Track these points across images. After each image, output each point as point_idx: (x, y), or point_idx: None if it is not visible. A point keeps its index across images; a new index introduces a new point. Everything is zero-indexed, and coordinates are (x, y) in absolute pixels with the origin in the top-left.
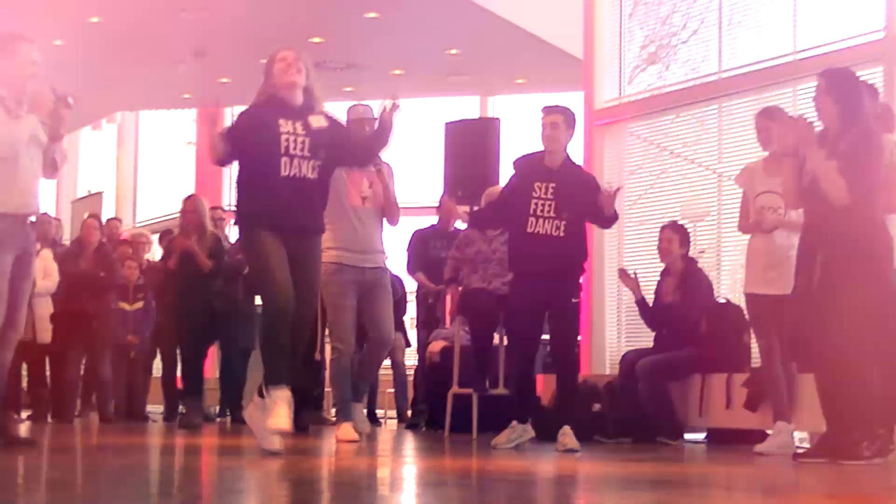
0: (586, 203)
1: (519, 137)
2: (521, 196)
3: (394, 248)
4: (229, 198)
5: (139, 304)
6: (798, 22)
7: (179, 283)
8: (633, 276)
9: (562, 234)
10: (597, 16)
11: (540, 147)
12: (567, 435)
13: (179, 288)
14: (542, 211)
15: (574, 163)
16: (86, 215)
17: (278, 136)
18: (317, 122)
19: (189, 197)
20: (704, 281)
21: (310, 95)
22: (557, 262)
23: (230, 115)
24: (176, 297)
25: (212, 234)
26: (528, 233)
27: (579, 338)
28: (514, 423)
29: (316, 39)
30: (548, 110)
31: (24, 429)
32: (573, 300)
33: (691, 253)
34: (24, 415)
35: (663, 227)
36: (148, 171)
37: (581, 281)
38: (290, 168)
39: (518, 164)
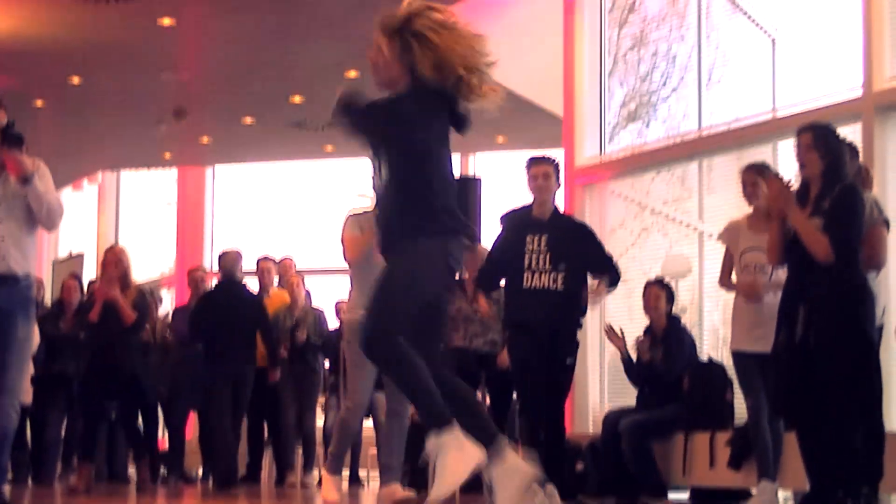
0: (583, 252)
1: (500, 196)
2: (513, 251)
3: None
4: (211, 258)
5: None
6: (777, 80)
7: (99, 338)
8: (620, 333)
9: (559, 286)
10: (577, 74)
11: (524, 200)
12: (551, 495)
13: (99, 342)
14: (536, 264)
15: (563, 213)
16: (67, 276)
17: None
18: None
19: (111, 248)
20: (688, 338)
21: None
22: (555, 316)
23: (210, 174)
24: (95, 353)
25: (136, 288)
26: (524, 288)
27: None
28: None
29: (296, 99)
30: (536, 161)
31: (5, 492)
32: (568, 360)
33: (673, 311)
34: None
35: (650, 284)
36: (129, 232)
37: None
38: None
39: (506, 218)
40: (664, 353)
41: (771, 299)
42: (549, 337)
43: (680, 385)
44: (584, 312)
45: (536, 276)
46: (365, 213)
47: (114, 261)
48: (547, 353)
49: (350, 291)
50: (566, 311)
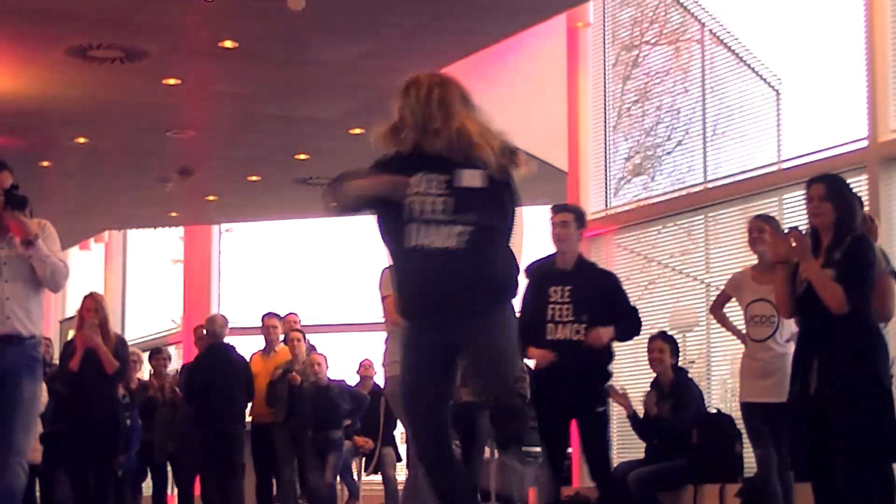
0: (607, 303)
1: None
2: (537, 303)
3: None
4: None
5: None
6: (782, 132)
7: (79, 389)
8: (622, 392)
9: (582, 337)
10: (581, 128)
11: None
12: None
13: (80, 393)
14: (560, 316)
15: (588, 262)
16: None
17: (405, 198)
18: (470, 179)
19: (89, 294)
20: (696, 391)
21: (464, 141)
22: (579, 367)
23: (217, 231)
24: (77, 404)
25: (115, 336)
26: (547, 341)
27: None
28: None
29: (302, 156)
30: (557, 209)
31: None
32: (598, 408)
33: (681, 363)
34: None
35: (653, 338)
36: (136, 290)
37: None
38: (418, 237)
39: (530, 271)
40: (672, 406)
41: (779, 349)
42: (574, 388)
43: (689, 437)
44: (608, 360)
45: (560, 327)
46: None
47: (93, 307)
48: (573, 403)
49: (387, 344)
50: (589, 361)
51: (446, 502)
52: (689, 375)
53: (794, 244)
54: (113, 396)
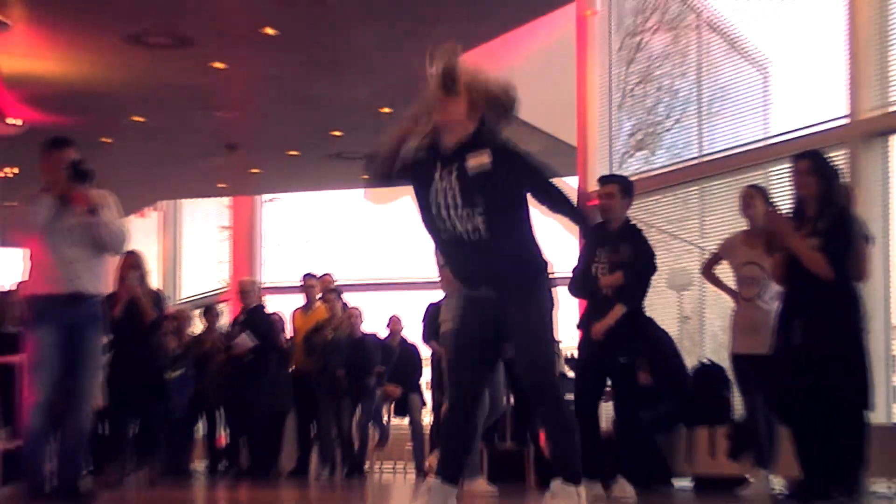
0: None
1: None
2: (587, 261)
3: (413, 319)
4: (260, 274)
5: (178, 372)
6: (770, 110)
7: (123, 334)
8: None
9: (611, 293)
10: (589, 107)
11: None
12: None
13: (120, 339)
14: (603, 274)
15: (633, 228)
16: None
17: (431, 193)
18: (477, 161)
19: (130, 252)
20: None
21: (469, 126)
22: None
23: (260, 201)
24: (119, 349)
25: (150, 291)
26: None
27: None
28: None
29: (336, 133)
30: (604, 180)
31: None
32: (622, 359)
33: (676, 319)
34: None
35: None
36: (189, 254)
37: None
38: (446, 228)
39: (588, 231)
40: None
41: (765, 306)
42: (605, 340)
43: (684, 383)
44: (635, 318)
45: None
46: None
47: (132, 264)
48: (604, 358)
49: (446, 305)
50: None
51: (445, 450)
52: (685, 329)
53: (777, 226)
54: (150, 344)
